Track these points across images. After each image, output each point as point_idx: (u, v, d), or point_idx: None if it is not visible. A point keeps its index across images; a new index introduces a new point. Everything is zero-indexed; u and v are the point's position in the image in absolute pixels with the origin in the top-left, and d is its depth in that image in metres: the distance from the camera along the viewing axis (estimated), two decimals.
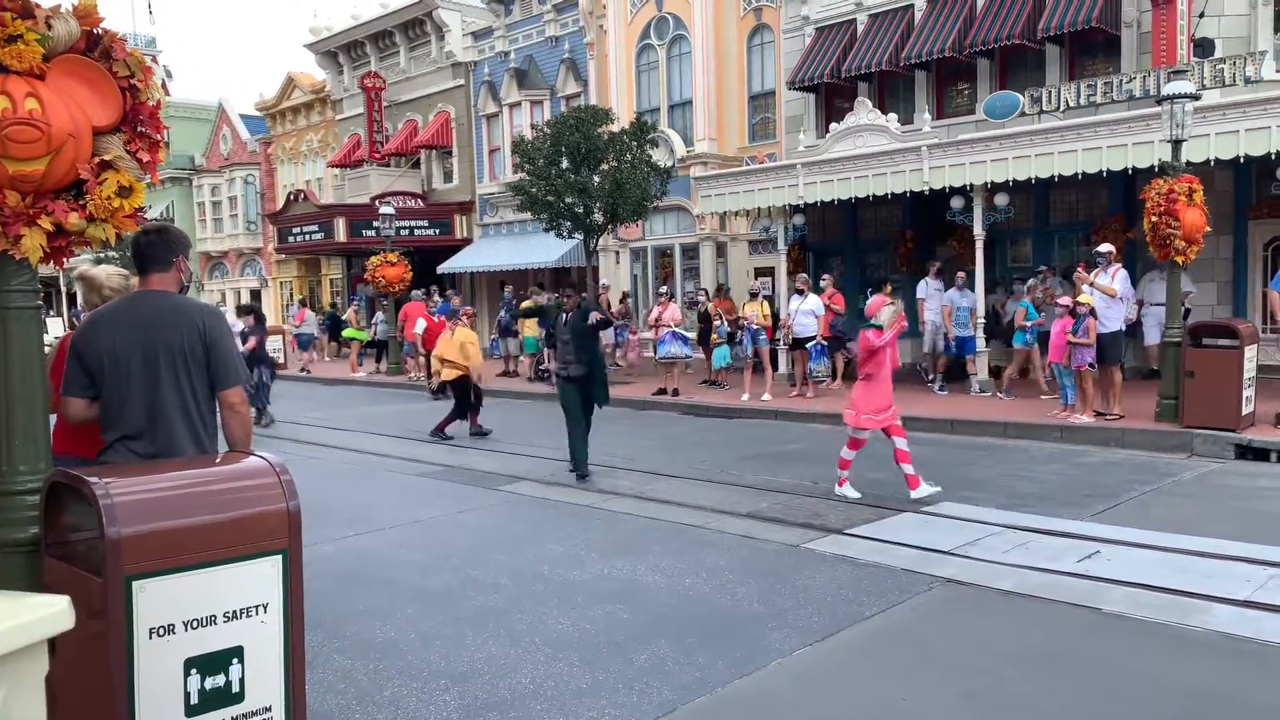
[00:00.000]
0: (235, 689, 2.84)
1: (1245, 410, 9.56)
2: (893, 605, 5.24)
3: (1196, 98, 10.37)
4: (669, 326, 15.35)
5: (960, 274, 13.78)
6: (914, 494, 7.62)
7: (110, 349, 3.43)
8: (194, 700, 2.76)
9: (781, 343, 14.95)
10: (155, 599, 2.68)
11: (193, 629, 2.75)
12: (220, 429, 3.66)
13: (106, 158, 2.96)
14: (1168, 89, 10.19)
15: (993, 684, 4.21)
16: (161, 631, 2.70)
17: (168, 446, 3.45)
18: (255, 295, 36.04)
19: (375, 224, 22.71)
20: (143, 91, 3.04)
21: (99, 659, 2.65)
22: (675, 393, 14.80)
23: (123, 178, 2.98)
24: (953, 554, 6.17)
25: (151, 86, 3.08)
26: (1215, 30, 13.81)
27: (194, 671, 2.76)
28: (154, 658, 2.68)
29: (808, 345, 13.98)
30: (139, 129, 3.05)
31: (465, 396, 12.27)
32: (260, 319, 14.94)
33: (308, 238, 27.81)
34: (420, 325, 17.16)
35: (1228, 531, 6.45)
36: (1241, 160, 11.32)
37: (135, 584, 2.64)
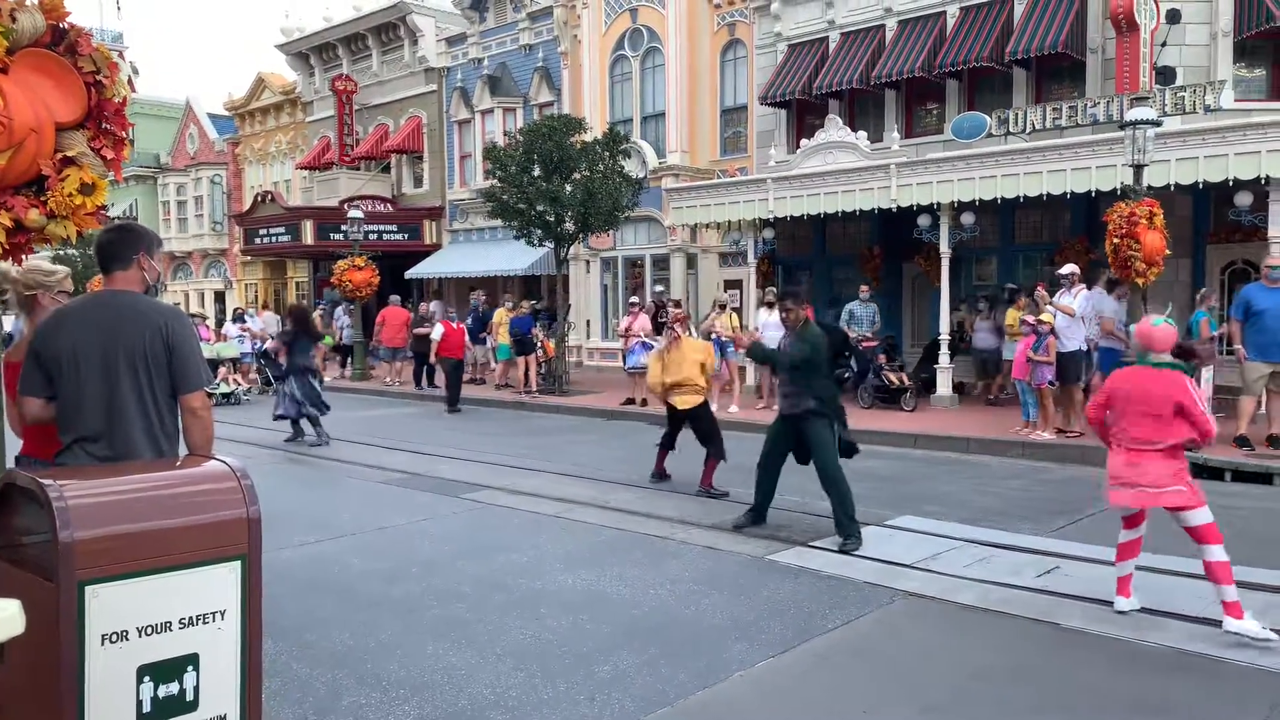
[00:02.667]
0: (189, 697, 2.78)
1: None
2: (855, 618, 5.27)
3: (1158, 124, 10.59)
4: (639, 337, 15.39)
5: (1110, 277, 12.08)
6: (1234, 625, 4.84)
7: (69, 349, 3.35)
8: (146, 708, 2.70)
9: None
10: (109, 604, 2.62)
11: (147, 635, 2.70)
12: (181, 434, 3.60)
13: (69, 154, 2.92)
14: (1130, 115, 10.40)
15: (953, 698, 4.24)
16: (114, 638, 2.64)
17: (125, 450, 3.37)
18: (220, 297, 35.63)
19: (343, 228, 22.54)
20: (108, 88, 3.00)
21: (49, 665, 2.59)
22: (643, 403, 14.81)
23: (85, 174, 2.94)
24: (915, 568, 6.22)
25: (117, 83, 3.04)
26: (1177, 59, 14.11)
27: (147, 679, 2.70)
28: (106, 664, 2.63)
29: None
30: (103, 125, 3.01)
31: (707, 428, 8.97)
32: (301, 320, 13.19)
33: (274, 240, 27.54)
34: (438, 331, 16.74)
35: (1183, 549, 6.53)
36: (1200, 186, 11.55)
37: (88, 589, 2.59)
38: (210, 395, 16.31)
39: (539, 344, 17.32)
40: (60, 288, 4.11)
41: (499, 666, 4.61)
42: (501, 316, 18.18)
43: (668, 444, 9.36)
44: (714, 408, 13.85)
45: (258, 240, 28.22)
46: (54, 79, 2.88)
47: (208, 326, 19.64)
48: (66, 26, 2.92)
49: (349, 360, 22.20)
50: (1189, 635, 4.91)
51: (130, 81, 3.26)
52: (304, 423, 12.50)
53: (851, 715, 4.07)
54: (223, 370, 18.07)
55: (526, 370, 17.30)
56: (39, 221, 2.89)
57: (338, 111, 28.46)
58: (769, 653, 4.75)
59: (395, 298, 20.71)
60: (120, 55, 3.11)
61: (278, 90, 32.68)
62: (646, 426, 13.76)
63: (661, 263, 21.05)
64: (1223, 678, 4.41)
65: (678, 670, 4.53)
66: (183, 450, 3.56)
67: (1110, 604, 5.33)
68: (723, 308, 14.78)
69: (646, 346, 15.25)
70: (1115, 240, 10.31)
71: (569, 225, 17.33)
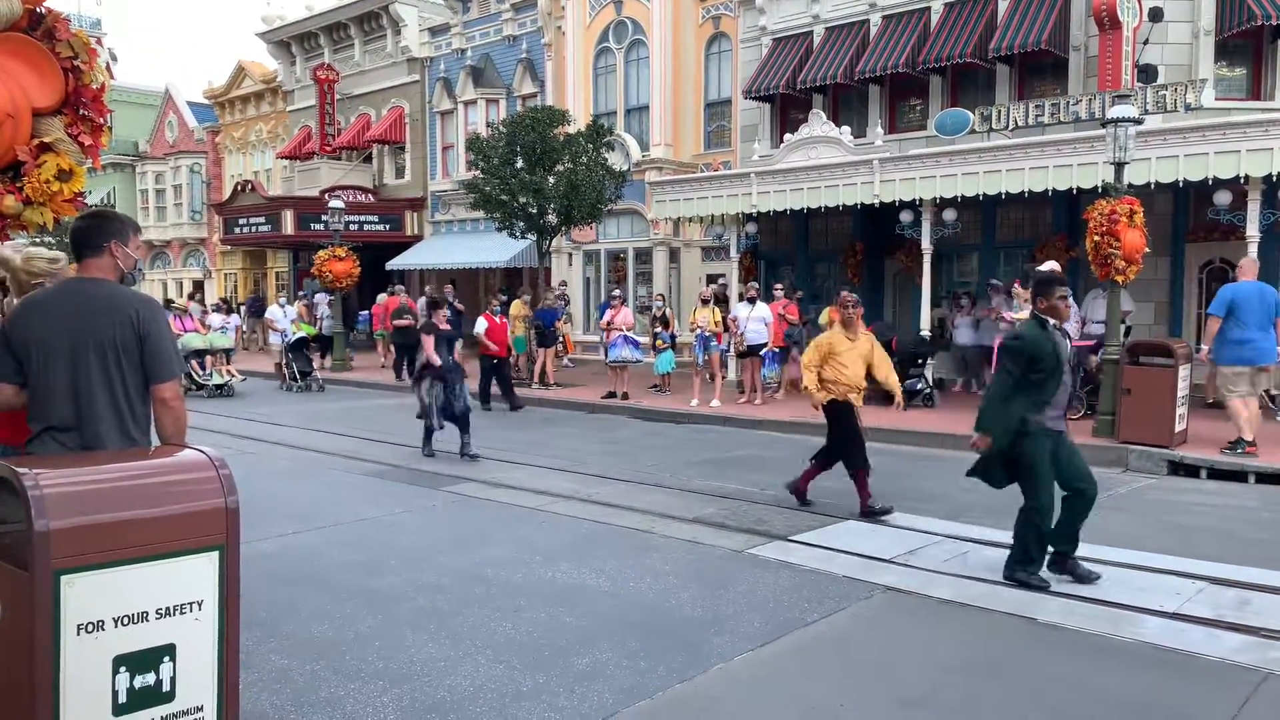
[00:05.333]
0: (166, 688, 2.77)
1: (1178, 427, 9.83)
2: (834, 612, 5.29)
3: (1139, 122, 10.65)
4: (621, 330, 15.38)
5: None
6: None
7: (38, 337, 3.30)
8: (122, 699, 2.68)
9: (731, 350, 15.05)
10: (85, 594, 2.60)
11: (123, 626, 2.68)
12: (153, 424, 3.56)
13: (46, 140, 2.89)
14: (1112, 112, 10.45)
15: (930, 692, 4.26)
16: (90, 628, 2.62)
17: (96, 439, 3.33)
18: (198, 286, 35.34)
19: (324, 218, 22.41)
20: (86, 74, 2.97)
21: (23, 655, 2.57)
22: (625, 396, 14.82)
23: (63, 161, 2.91)
24: (894, 562, 6.25)
25: (96, 69, 3.01)
26: (1159, 57, 14.20)
27: (123, 669, 2.68)
28: (81, 655, 2.61)
29: (761, 353, 14.10)
30: (81, 112, 2.98)
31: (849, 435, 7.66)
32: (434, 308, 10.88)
33: (254, 229, 27.34)
34: (481, 325, 16.22)
35: (1159, 545, 6.62)
36: (1180, 184, 11.64)
37: (64, 578, 2.56)
38: (201, 386, 16.00)
39: (560, 337, 17.18)
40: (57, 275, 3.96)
41: (478, 659, 4.60)
42: (518, 309, 17.81)
43: (825, 460, 7.82)
44: (694, 403, 13.98)
45: (237, 230, 28.01)
46: (31, 64, 2.85)
47: (192, 317, 19.22)
48: (44, 11, 2.89)
49: (329, 352, 22.07)
50: (1165, 631, 4.96)
51: (108, 68, 3.22)
52: (436, 435, 10.65)
53: (829, 708, 4.09)
54: (212, 360, 17.86)
55: (544, 362, 17.10)
56: (15, 208, 2.86)
57: (319, 101, 28.25)
58: (748, 646, 4.77)
59: (398, 287, 21.07)
60: (98, 41, 3.07)
61: (258, 79, 32.41)
62: (628, 420, 13.77)
63: (644, 256, 21.04)
64: (1196, 672, 4.46)
65: (657, 663, 4.54)
66: (155, 441, 3.52)
67: (1085, 597, 5.38)
68: (706, 302, 14.79)
69: (628, 340, 15.27)
70: (1095, 238, 10.38)
71: (551, 217, 17.29)
